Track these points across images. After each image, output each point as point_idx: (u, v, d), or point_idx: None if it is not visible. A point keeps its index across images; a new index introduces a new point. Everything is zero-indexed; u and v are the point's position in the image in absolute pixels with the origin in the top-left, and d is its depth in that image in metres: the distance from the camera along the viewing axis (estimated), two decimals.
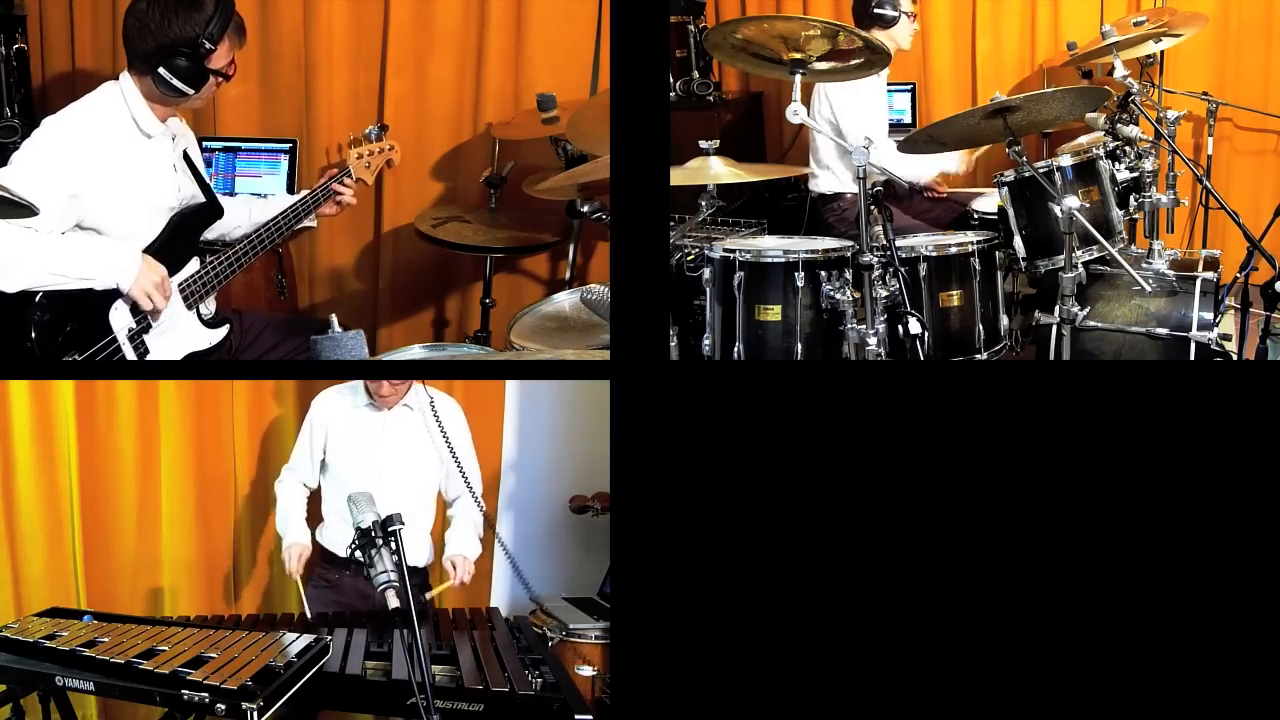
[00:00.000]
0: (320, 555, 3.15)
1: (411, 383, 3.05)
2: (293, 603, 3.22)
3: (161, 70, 2.76)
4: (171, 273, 2.85)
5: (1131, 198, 3.47)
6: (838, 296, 3.18)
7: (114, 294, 2.75)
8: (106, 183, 2.75)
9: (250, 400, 3.42)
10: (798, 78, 3.08)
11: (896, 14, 3.95)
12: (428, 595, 3.10)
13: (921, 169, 4.05)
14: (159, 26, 2.75)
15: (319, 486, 3.21)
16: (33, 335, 2.67)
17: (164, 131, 2.89)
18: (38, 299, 2.67)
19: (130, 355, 2.78)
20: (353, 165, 3.26)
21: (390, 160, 3.39)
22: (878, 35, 3.79)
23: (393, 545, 2.24)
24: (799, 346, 3.20)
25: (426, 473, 3.15)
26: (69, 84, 3.96)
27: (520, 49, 4.04)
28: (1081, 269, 3.08)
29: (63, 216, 2.69)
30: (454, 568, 3.10)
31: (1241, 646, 2.71)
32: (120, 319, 2.77)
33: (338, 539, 3.11)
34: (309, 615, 3.00)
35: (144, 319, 2.81)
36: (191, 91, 2.81)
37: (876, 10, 3.93)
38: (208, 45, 2.77)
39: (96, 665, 2.38)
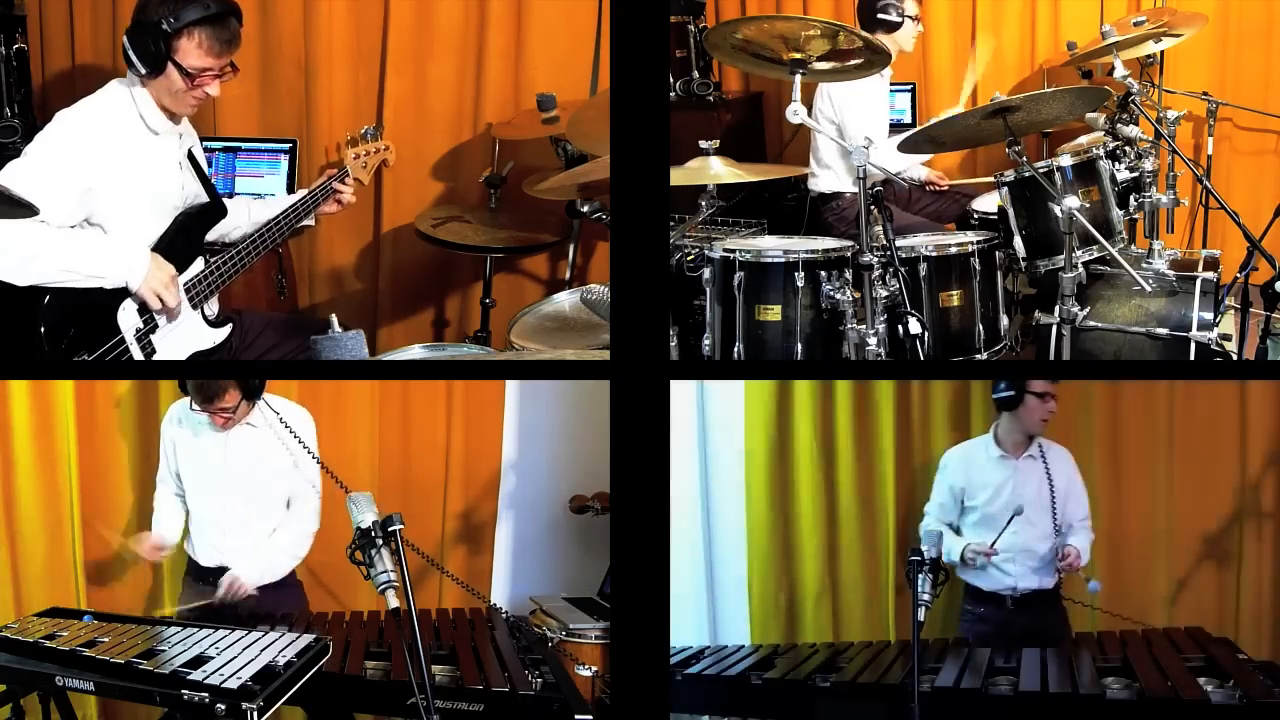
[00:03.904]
0: (187, 565, 3.11)
1: (254, 402, 2.95)
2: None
3: (124, 37, 2.76)
4: (177, 272, 2.85)
5: (1131, 198, 3.47)
6: (838, 296, 3.18)
7: (121, 294, 2.76)
8: (116, 178, 2.76)
9: None
10: (798, 78, 3.07)
11: (901, 20, 3.97)
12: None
13: (918, 163, 4.06)
14: (144, 7, 2.77)
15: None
16: (41, 335, 2.67)
17: (171, 129, 2.90)
18: (46, 300, 2.67)
19: (138, 355, 2.79)
20: (350, 165, 3.26)
21: (386, 160, 3.39)
22: (881, 38, 3.80)
23: (393, 545, 2.24)
24: (799, 346, 3.19)
25: (273, 484, 3.05)
26: (69, 84, 3.96)
27: (520, 49, 4.04)
28: (1081, 269, 3.08)
29: (75, 210, 2.70)
30: (224, 584, 2.96)
31: None
32: (128, 319, 2.78)
33: (201, 551, 3.06)
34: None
35: (151, 319, 2.82)
36: (144, 69, 2.77)
37: (880, 16, 3.95)
38: (166, 26, 2.73)
39: (96, 665, 2.39)
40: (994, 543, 2.98)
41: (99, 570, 3.31)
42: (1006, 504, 3.01)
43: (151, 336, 2.81)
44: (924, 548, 2.99)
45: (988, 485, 3.05)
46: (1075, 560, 2.98)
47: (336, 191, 3.20)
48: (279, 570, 3.06)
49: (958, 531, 3.12)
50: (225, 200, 3.09)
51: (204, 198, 2.99)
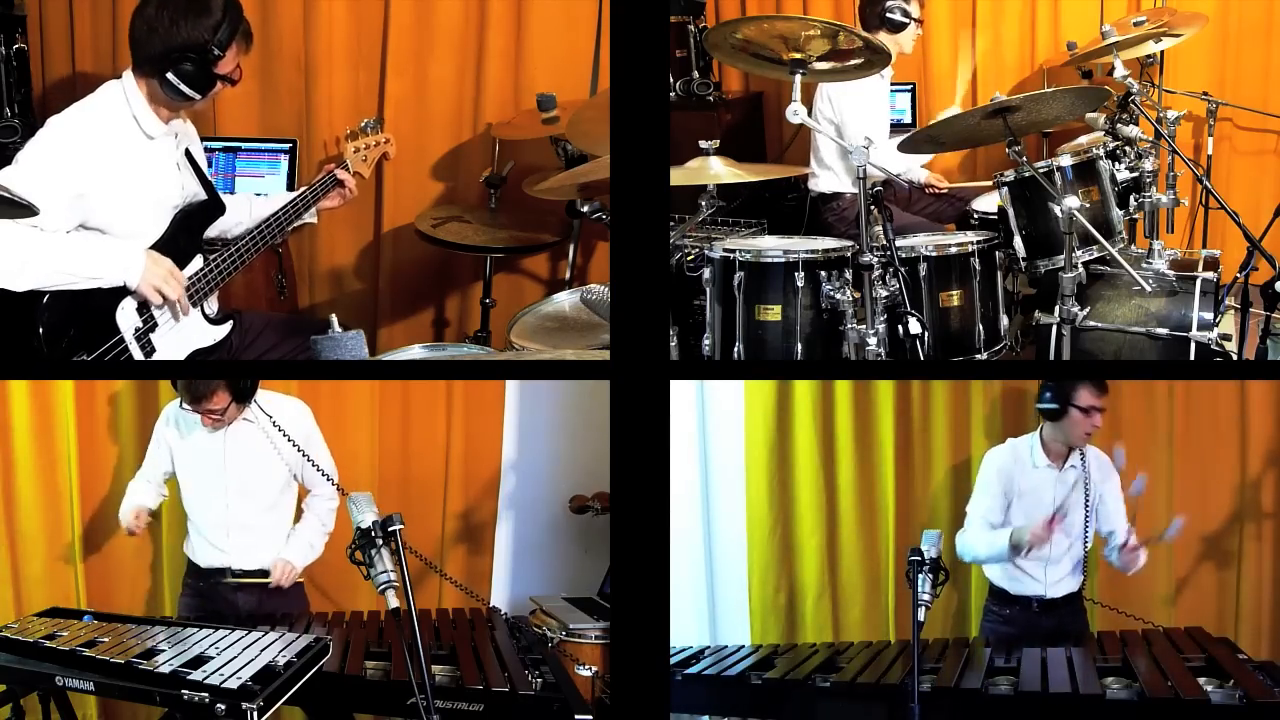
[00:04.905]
0: (187, 567, 3.10)
1: (244, 405, 2.95)
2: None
3: (169, 75, 2.76)
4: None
5: (1131, 198, 3.47)
6: (838, 296, 3.18)
7: (120, 294, 2.75)
8: (111, 183, 2.75)
9: None
10: (798, 78, 3.07)
11: (907, 21, 3.97)
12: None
13: (920, 165, 4.06)
14: (167, 30, 2.74)
15: (177, 500, 3.13)
16: (40, 336, 2.67)
17: (166, 131, 2.89)
18: (44, 300, 2.66)
19: (137, 355, 2.78)
20: (350, 159, 3.26)
21: (387, 153, 3.39)
22: (882, 38, 3.80)
23: (393, 545, 2.24)
24: (799, 346, 3.19)
25: (276, 480, 3.06)
26: (69, 85, 3.96)
27: (520, 49, 4.04)
28: (1081, 269, 3.07)
29: (68, 216, 2.69)
30: (276, 570, 3.01)
31: None
32: (127, 319, 2.77)
33: (201, 552, 3.05)
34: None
35: (150, 318, 2.81)
36: (198, 96, 2.81)
37: (887, 15, 3.94)
38: (216, 51, 2.77)
39: (96, 665, 2.38)
40: (1053, 517, 2.92)
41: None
42: (1046, 512, 2.98)
43: (151, 335, 2.81)
44: (977, 558, 3.00)
45: (1027, 493, 3.01)
46: (1139, 553, 2.95)
47: (338, 184, 3.20)
48: (317, 548, 3.10)
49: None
50: (226, 197, 3.09)
51: (203, 195, 2.99)
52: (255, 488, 3.03)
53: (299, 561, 3.05)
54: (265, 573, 3.02)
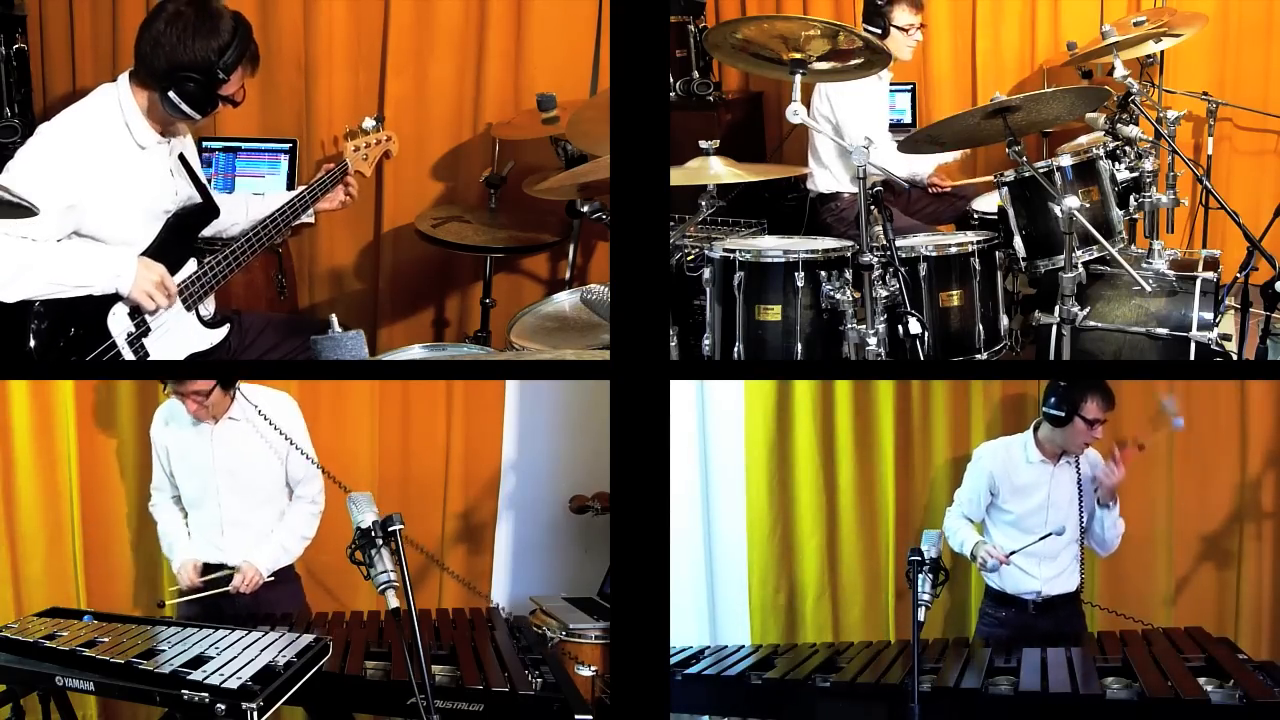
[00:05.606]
0: None
1: (232, 395, 2.97)
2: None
3: (171, 94, 2.75)
4: (170, 273, 2.84)
5: (1131, 198, 3.47)
6: (838, 296, 3.18)
7: (112, 299, 2.74)
8: (103, 192, 2.73)
9: None
10: (798, 78, 3.08)
11: (884, 30, 3.98)
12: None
13: (919, 165, 4.05)
14: (174, 48, 2.72)
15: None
16: (32, 343, 2.66)
17: (159, 141, 2.86)
18: (36, 307, 2.65)
19: (129, 359, 2.77)
20: (350, 158, 3.24)
21: (388, 151, 3.38)
22: None
23: (393, 545, 2.24)
24: (799, 346, 3.19)
25: (265, 477, 3.06)
26: (69, 84, 3.96)
27: (520, 49, 4.04)
28: (1081, 269, 3.07)
29: (60, 225, 2.67)
30: (238, 575, 2.98)
31: None
32: (119, 324, 2.76)
33: (199, 550, 3.05)
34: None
35: (143, 322, 2.80)
36: (197, 116, 2.80)
37: (865, 28, 3.95)
38: (221, 74, 2.75)
39: (96, 665, 2.39)
40: (1012, 552, 2.97)
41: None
42: (1038, 508, 3.00)
43: (144, 340, 2.80)
44: (949, 541, 3.00)
45: (1021, 490, 3.02)
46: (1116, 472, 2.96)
47: (342, 183, 3.19)
48: (293, 552, 3.08)
49: (981, 528, 3.12)
50: (223, 196, 3.08)
51: (197, 199, 2.98)
52: (246, 484, 3.03)
53: (266, 566, 3.01)
54: (228, 579, 3.00)
